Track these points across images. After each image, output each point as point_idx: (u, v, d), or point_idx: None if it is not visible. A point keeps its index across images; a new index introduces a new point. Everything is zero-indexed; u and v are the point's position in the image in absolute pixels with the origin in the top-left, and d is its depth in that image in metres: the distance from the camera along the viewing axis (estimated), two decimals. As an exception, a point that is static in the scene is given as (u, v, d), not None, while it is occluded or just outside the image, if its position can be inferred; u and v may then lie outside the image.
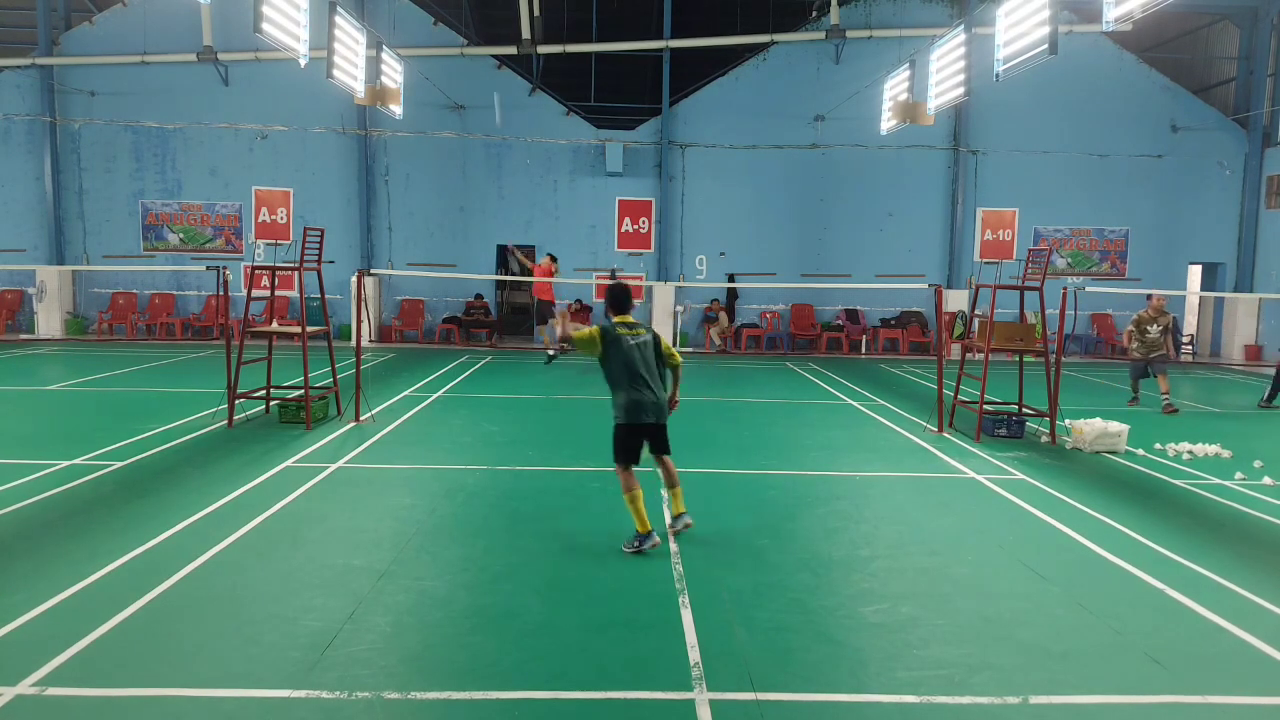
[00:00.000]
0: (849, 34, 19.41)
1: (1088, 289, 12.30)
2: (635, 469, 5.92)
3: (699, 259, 20.73)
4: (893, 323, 20.75)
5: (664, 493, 6.41)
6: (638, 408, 5.80)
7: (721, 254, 20.67)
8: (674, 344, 19.96)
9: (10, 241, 20.23)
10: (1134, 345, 12.53)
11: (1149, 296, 12.73)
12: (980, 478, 8.16)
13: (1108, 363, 19.36)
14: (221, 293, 13.06)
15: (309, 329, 10.07)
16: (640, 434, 5.89)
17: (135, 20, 19.78)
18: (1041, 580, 5.47)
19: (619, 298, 6.07)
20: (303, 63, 11.37)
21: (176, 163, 20.37)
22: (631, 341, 5.84)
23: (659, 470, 6.17)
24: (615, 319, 5.98)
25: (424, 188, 20.61)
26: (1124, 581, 5.50)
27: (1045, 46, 10.14)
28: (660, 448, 6.04)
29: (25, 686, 3.85)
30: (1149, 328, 12.36)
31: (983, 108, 20.05)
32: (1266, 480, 8.18)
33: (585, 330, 5.89)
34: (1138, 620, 4.87)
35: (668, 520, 6.24)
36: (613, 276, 20.42)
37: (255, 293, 16.63)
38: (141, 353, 16.79)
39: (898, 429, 10.62)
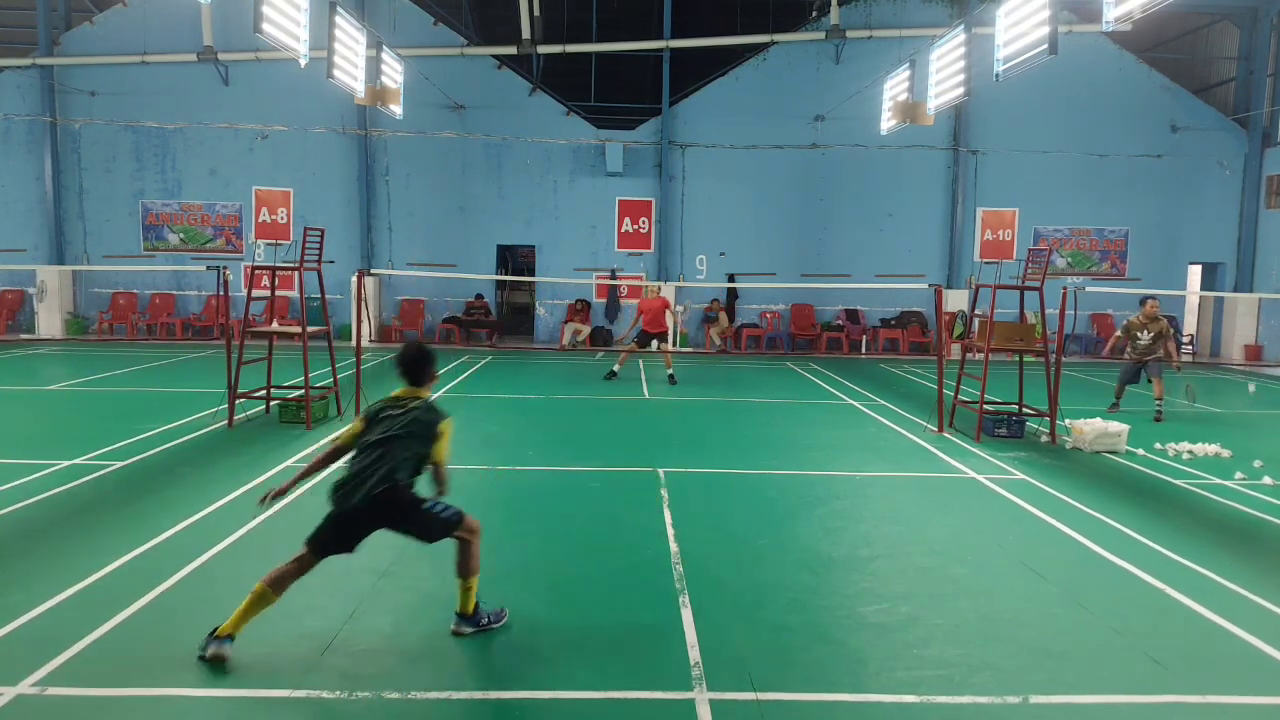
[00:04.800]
0: (849, 34, 19.42)
1: (1088, 289, 12.28)
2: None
3: (699, 259, 20.73)
4: (893, 323, 20.75)
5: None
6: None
7: (722, 254, 20.67)
8: (674, 343, 19.98)
9: (10, 241, 20.23)
10: (1126, 350, 12.05)
11: (1143, 301, 11.96)
12: (980, 478, 8.16)
13: (1107, 363, 19.34)
14: (221, 293, 13.03)
15: (309, 329, 10.07)
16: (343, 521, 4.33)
17: (135, 20, 19.80)
18: (1041, 580, 5.47)
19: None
20: (303, 63, 11.37)
21: (176, 163, 20.37)
22: (392, 412, 4.41)
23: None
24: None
25: (424, 188, 20.62)
26: (1124, 581, 5.50)
27: (1045, 46, 10.14)
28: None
29: (25, 686, 3.85)
30: (1139, 334, 11.77)
31: (983, 108, 20.05)
32: (1266, 480, 8.18)
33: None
34: (1138, 620, 4.87)
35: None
36: (613, 277, 20.45)
37: (255, 293, 16.63)
38: (142, 353, 16.79)
39: (898, 429, 10.62)
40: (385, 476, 4.19)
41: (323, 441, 4.53)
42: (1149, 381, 11.97)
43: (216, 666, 4.05)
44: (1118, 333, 12.18)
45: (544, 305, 21.11)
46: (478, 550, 4.51)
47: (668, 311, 14.78)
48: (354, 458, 4.36)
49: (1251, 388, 11.04)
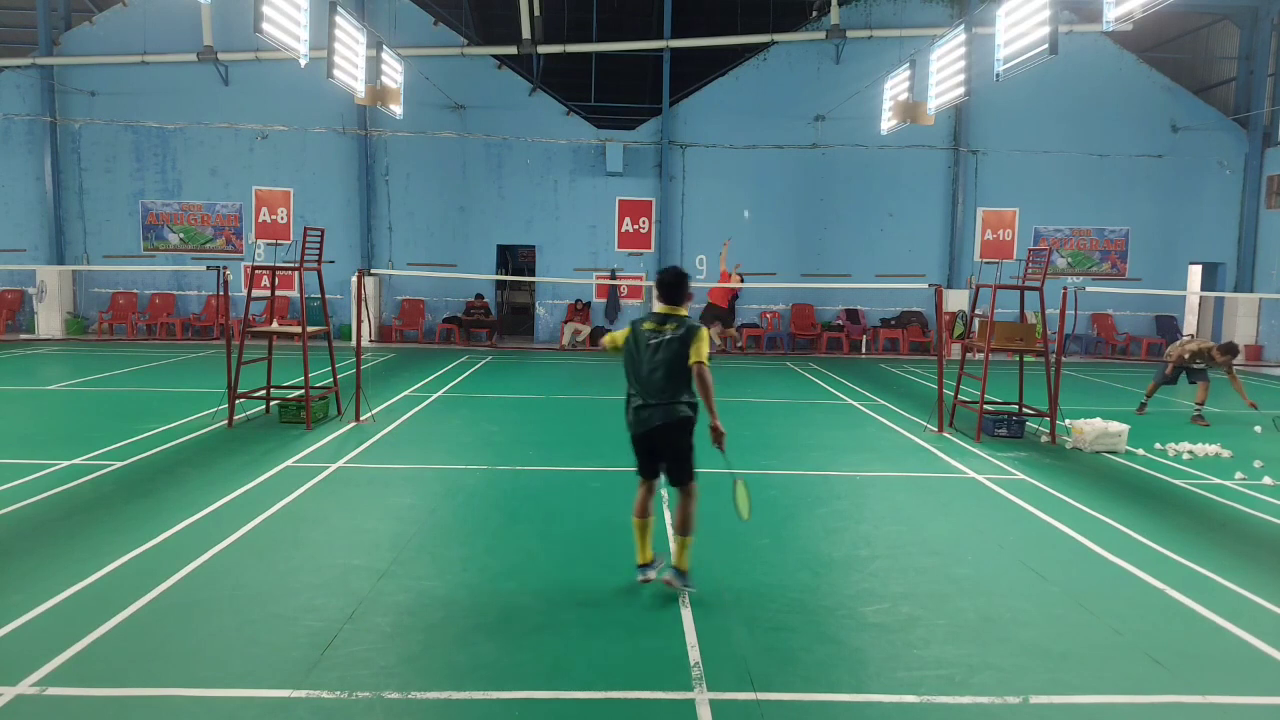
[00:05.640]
0: (849, 34, 19.42)
1: (1088, 289, 12.26)
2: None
3: (699, 259, 20.73)
4: (893, 323, 20.74)
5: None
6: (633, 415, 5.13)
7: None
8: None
9: (10, 241, 20.24)
10: (1171, 357, 11.68)
11: (1232, 349, 11.40)
12: (980, 478, 8.16)
13: (1108, 363, 19.36)
14: (221, 293, 13.09)
15: (309, 329, 10.08)
16: (642, 449, 5.19)
17: (135, 20, 19.79)
18: (1041, 580, 5.47)
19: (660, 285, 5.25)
20: (303, 63, 11.38)
21: (177, 163, 20.37)
22: (650, 340, 5.05)
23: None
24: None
25: (424, 188, 20.62)
26: (1124, 581, 5.50)
27: (1045, 46, 10.14)
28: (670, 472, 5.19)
29: (25, 686, 3.85)
30: (1197, 360, 11.44)
31: (983, 108, 20.05)
32: (1266, 480, 8.18)
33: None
34: (1138, 620, 4.87)
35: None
36: (613, 277, 20.45)
37: (255, 293, 16.64)
38: (141, 353, 16.79)
39: (898, 429, 10.62)
40: (673, 410, 4.98)
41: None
42: (1190, 384, 11.69)
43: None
44: (1180, 350, 11.61)
45: (544, 305, 21.11)
46: (695, 512, 5.12)
47: (729, 294, 16.11)
48: (635, 384, 5.10)
49: (1258, 429, 11.00)
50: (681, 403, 5.00)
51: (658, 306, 5.19)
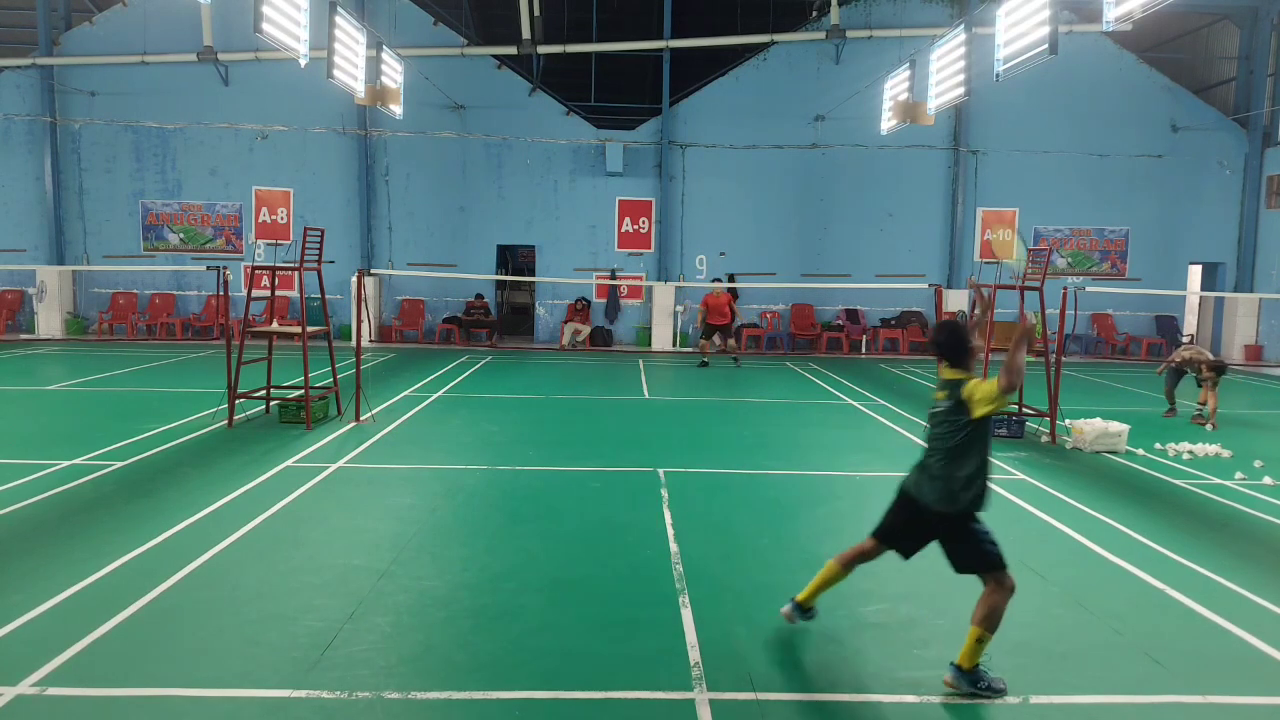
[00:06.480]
0: (849, 34, 19.41)
1: (1088, 289, 12.24)
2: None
3: (699, 259, 20.73)
4: (893, 323, 20.74)
5: None
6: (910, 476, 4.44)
7: (721, 254, 20.66)
8: (674, 343, 19.98)
9: (10, 241, 20.23)
10: (1173, 360, 11.74)
11: (1221, 366, 11.31)
12: (980, 478, 8.15)
13: (1108, 363, 19.35)
14: (221, 293, 13.12)
15: (309, 329, 10.07)
16: (901, 506, 4.44)
17: (135, 20, 19.78)
18: (1041, 580, 5.47)
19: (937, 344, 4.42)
20: (303, 63, 11.37)
21: (177, 163, 20.37)
22: (932, 409, 4.43)
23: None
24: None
25: (424, 188, 20.61)
26: (1124, 581, 5.50)
27: (1045, 46, 10.14)
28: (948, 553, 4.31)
29: (25, 686, 3.85)
30: (1186, 368, 11.50)
31: (983, 108, 20.04)
32: (1266, 480, 8.18)
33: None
34: (1138, 620, 4.87)
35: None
36: (613, 277, 20.45)
37: (255, 293, 16.64)
38: (141, 353, 16.79)
39: (898, 429, 10.61)
40: (948, 493, 4.23)
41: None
42: (1198, 386, 11.68)
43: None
44: (1174, 361, 11.64)
45: (544, 305, 21.11)
46: (1003, 607, 4.02)
47: (729, 306, 17.07)
48: (926, 447, 4.43)
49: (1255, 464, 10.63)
50: (962, 487, 4.22)
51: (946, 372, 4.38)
